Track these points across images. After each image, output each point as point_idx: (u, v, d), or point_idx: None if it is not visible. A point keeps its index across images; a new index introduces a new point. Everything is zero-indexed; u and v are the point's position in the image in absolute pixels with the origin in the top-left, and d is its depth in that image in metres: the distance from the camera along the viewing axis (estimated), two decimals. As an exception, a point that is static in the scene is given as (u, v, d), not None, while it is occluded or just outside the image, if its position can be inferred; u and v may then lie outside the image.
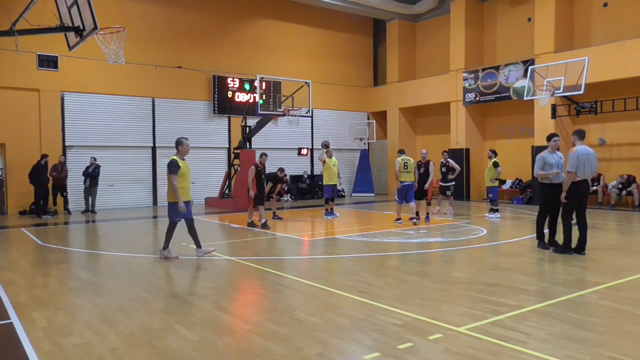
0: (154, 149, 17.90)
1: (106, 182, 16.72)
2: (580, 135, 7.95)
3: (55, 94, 16.06)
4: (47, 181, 14.61)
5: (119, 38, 9.10)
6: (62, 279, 6.72)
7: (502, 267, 7.13)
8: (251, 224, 11.62)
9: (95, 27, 6.94)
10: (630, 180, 15.25)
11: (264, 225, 11.28)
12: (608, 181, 15.88)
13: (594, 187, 15.93)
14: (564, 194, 7.87)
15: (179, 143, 7.87)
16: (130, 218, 14.10)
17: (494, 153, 13.36)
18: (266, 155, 11.98)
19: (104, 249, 9.29)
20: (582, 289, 5.75)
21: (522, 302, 5.21)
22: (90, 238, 11.22)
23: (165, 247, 7.94)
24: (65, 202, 15.46)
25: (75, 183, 16.00)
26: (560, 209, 8.10)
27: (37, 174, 14.35)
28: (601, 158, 16.45)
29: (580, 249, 7.94)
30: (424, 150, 13.02)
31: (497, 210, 13.03)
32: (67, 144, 16.26)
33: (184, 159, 7.83)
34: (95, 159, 15.86)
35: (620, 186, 15.40)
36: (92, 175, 15.71)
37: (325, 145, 13.77)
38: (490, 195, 13.23)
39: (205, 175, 18.89)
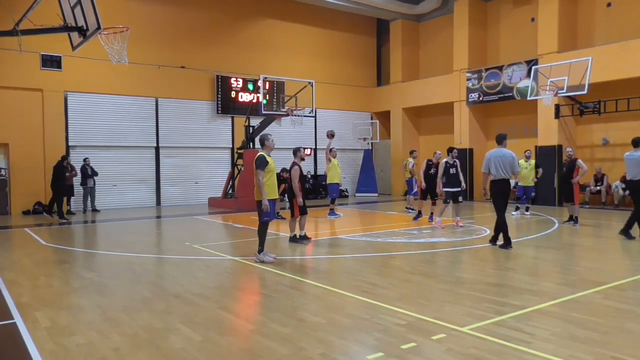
0: (157, 149, 17.94)
1: (109, 182, 16.81)
2: (498, 139, 8.87)
3: (59, 94, 16.11)
4: (67, 182, 14.71)
5: (122, 38, 9.12)
6: (65, 279, 6.74)
7: (505, 267, 7.11)
8: (294, 239, 9.43)
9: (99, 27, 6.97)
10: (633, 180, 15.18)
11: (304, 238, 9.47)
12: (612, 181, 15.84)
13: (597, 187, 15.89)
14: (483, 191, 9.02)
15: (264, 139, 7.71)
16: (133, 218, 14.13)
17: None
18: (300, 149, 9.49)
19: (107, 248, 9.31)
20: (585, 289, 5.73)
21: (525, 302, 5.20)
22: (93, 238, 11.25)
23: (260, 250, 7.55)
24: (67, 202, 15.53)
25: (77, 184, 16.07)
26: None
27: (60, 175, 14.37)
28: (604, 158, 16.45)
29: (495, 239, 8.78)
30: (438, 152, 12.57)
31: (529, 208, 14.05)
32: (70, 144, 16.30)
33: (270, 156, 7.62)
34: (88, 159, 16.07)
35: (623, 186, 15.33)
36: (94, 174, 15.95)
37: (331, 135, 13.45)
38: (533, 194, 14.39)
39: (209, 175, 18.95)
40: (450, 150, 11.68)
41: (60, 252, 8.91)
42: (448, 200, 11.42)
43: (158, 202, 17.96)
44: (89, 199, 16.10)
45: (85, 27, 7.16)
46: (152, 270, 7.34)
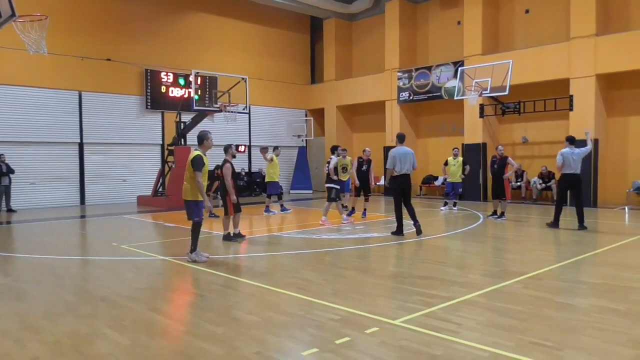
0: (81, 145, 17.00)
1: (27, 180, 15.73)
2: (399, 138, 9.72)
3: (-32, 86, 14.86)
4: None
5: (41, 27, 8.54)
6: (-23, 285, 6.23)
7: (435, 261, 7.39)
8: (228, 237, 9.25)
9: (13, 14, 6.49)
10: (550, 175, 16.33)
11: (238, 236, 9.37)
12: (530, 177, 16.93)
13: (518, 183, 16.93)
14: (388, 185, 9.68)
15: (204, 137, 7.35)
16: (55, 218, 13.30)
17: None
18: (231, 146, 9.56)
19: (25, 251, 8.70)
20: (507, 279, 6.08)
21: (453, 294, 5.43)
22: (8, 240, 10.46)
23: (193, 249, 7.38)
24: None
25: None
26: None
27: None
28: (523, 156, 17.52)
29: (418, 232, 9.45)
30: (367, 149, 12.84)
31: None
32: (-18, 139, 15.10)
33: (205, 155, 7.32)
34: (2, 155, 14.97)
35: (541, 181, 16.45)
36: (10, 172, 14.87)
37: (265, 151, 13.58)
38: (461, 190, 14.95)
39: (138, 172, 18.23)
40: (336, 148, 11.92)
41: (-30, 256, 8.22)
42: (338, 198, 11.61)
43: (82, 202, 17.03)
44: (4, 198, 14.99)
45: (-3, 14, 6.65)
46: (76, 273, 6.96)
